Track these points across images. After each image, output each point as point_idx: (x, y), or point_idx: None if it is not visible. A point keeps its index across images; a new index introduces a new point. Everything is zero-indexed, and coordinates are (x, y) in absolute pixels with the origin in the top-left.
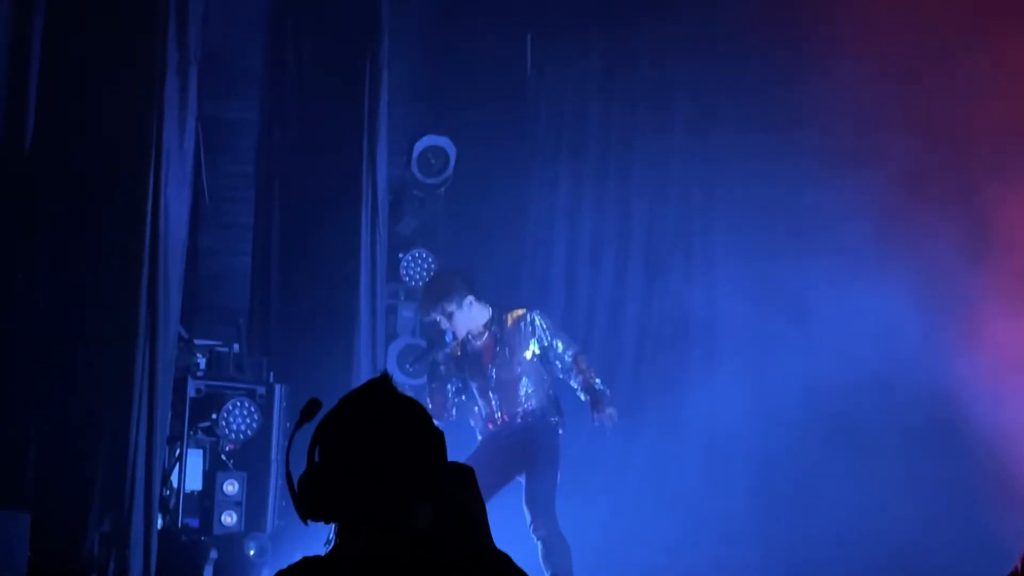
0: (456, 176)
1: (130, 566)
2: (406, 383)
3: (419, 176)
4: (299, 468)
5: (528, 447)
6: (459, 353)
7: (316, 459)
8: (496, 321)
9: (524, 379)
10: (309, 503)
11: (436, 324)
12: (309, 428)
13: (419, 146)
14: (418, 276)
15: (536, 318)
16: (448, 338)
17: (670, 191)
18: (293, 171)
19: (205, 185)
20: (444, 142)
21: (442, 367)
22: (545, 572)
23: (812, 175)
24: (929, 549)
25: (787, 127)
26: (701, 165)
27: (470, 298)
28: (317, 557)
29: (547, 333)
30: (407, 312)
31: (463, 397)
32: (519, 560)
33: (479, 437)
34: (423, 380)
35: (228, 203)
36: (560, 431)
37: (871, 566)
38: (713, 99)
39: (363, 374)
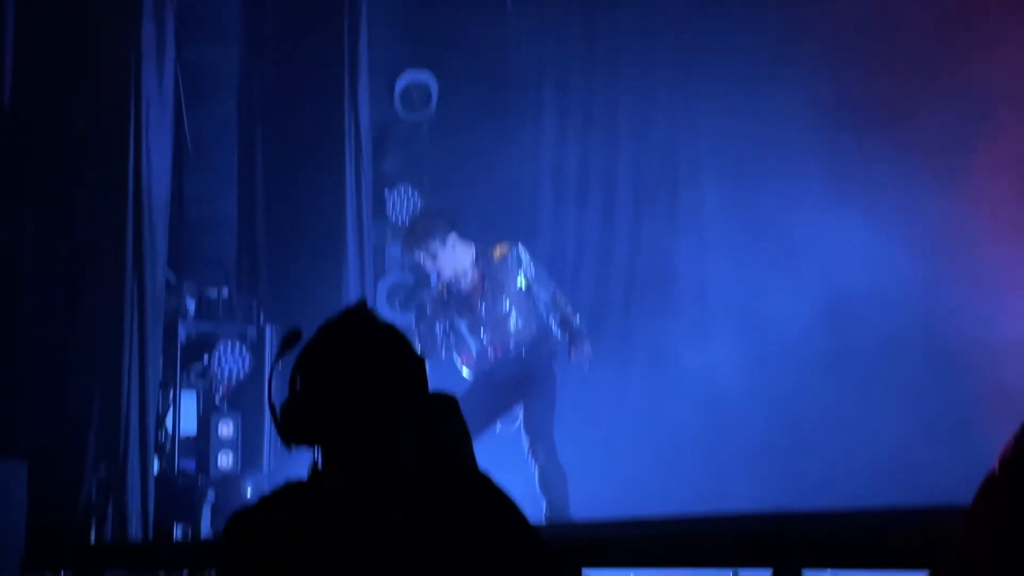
0: (439, 112)
1: (128, 511)
2: (395, 320)
3: (402, 113)
4: (283, 397)
5: (524, 378)
6: (446, 294)
7: (298, 388)
8: (482, 257)
9: (514, 313)
10: (290, 430)
11: (421, 266)
12: (292, 358)
13: (401, 83)
14: (404, 213)
15: (521, 252)
16: (433, 280)
17: (655, 123)
18: (275, 113)
19: (187, 131)
20: (426, 77)
21: (428, 307)
22: (542, 499)
23: (798, 107)
24: (928, 466)
25: (774, 59)
26: (686, 97)
27: (453, 236)
28: (300, 483)
29: (531, 267)
30: (395, 250)
31: (452, 338)
32: (517, 487)
33: (468, 378)
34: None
35: (212, 148)
36: (554, 359)
37: (868, 488)
38: (698, 31)
39: None
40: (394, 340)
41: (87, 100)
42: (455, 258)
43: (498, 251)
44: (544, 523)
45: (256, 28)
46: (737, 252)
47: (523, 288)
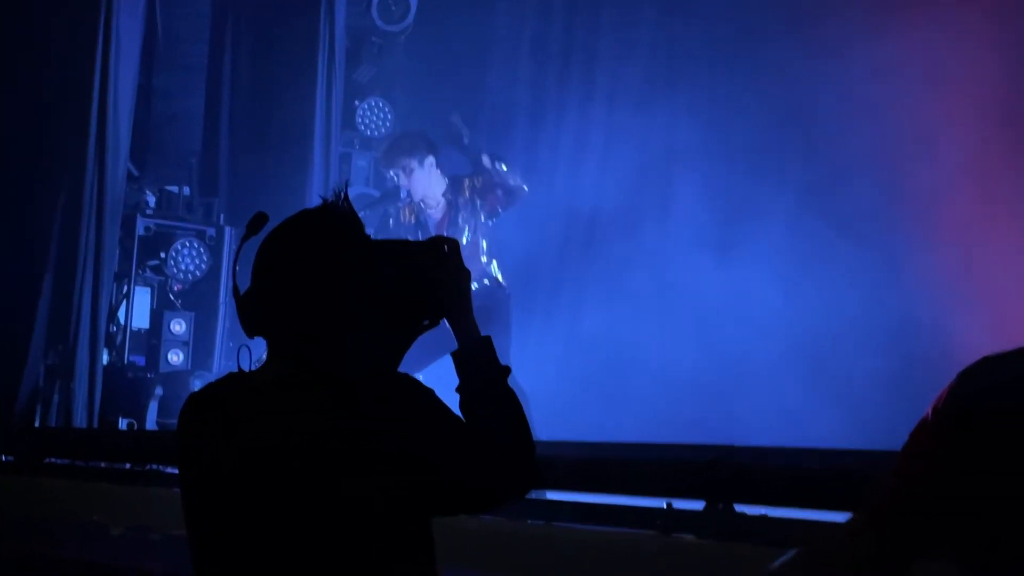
0: (416, 27)
1: (74, 400)
2: None
3: (379, 23)
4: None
5: (480, 307)
6: (413, 220)
7: (259, 278)
8: (452, 189)
9: (482, 244)
10: (244, 319)
11: (393, 179)
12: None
13: None
14: (374, 125)
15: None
16: (403, 194)
17: (637, 50)
18: (249, 12)
19: (160, 24)
20: None
21: (391, 220)
22: None
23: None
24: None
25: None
26: (668, 33)
27: (431, 159)
28: (241, 373)
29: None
30: (361, 161)
31: None
32: None
33: None
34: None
35: (184, 44)
36: (510, 297)
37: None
38: None
39: None
40: (355, 246)
41: None
42: (429, 181)
43: (470, 182)
44: None
45: None
46: (715, 144)
47: (490, 222)
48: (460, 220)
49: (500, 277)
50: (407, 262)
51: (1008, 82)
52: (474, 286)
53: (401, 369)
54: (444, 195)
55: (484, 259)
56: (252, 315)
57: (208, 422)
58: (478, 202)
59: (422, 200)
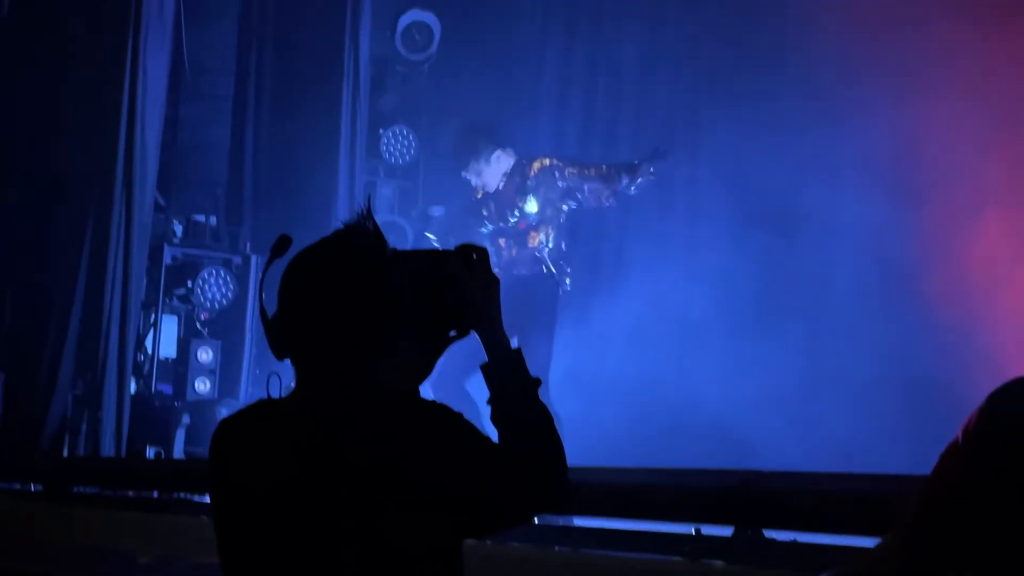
0: (440, 54)
1: (102, 429)
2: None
3: (403, 52)
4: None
5: (528, 301)
6: (486, 200)
7: (284, 301)
8: (519, 171)
9: (541, 228)
10: (273, 342)
11: (468, 182)
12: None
13: (404, 21)
14: (398, 153)
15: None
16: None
17: (660, 73)
18: (274, 42)
19: (186, 54)
20: (429, 18)
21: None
22: None
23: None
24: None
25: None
26: (690, 45)
27: (498, 152)
28: (271, 399)
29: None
30: (386, 189)
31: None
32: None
33: None
34: None
35: (209, 74)
36: (563, 286)
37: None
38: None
39: None
40: (378, 258)
41: (86, 15)
42: (498, 170)
43: (536, 165)
44: None
45: None
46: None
47: (554, 201)
48: (520, 200)
49: (552, 266)
50: (434, 272)
51: None
52: (522, 272)
53: (440, 381)
54: (508, 175)
55: (539, 240)
56: (280, 338)
57: (238, 447)
58: (558, 179)
59: (495, 186)
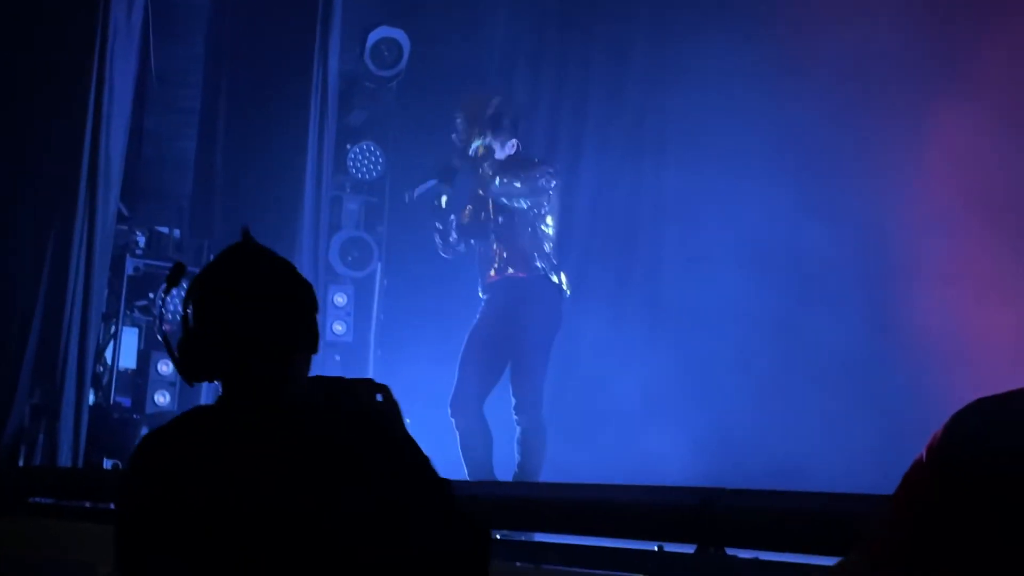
0: (409, 71)
1: (59, 439)
2: (347, 275)
3: (372, 68)
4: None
5: (525, 307)
6: (467, 219)
7: (191, 323)
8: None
9: (531, 231)
10: (189, 367)
11: (476, 150)
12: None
13: (373, 37)
14: (365, 169)
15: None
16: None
17: (627, 88)
18: (242, 56)
19: (153, 66)
20: (399, 34)
21: (443, 198)
22: (516, 457)
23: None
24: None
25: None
26: (659, 66)
27: (514, 140)
28: (208, 407)
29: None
30: (352, 204)
31: (462, 246)
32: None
33: (480, 295)
34: (364, 272)
35: (177, 87)
36: (563, 294)
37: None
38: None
39: (305, 264)
40: (282, 274)
41: (53, 25)
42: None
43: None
44: (468, 479)
45: None
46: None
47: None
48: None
49: (549, 272)
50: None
51: None
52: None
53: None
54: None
55: (532, 245)
56: (194, 361)
57: (187, 459)
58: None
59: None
